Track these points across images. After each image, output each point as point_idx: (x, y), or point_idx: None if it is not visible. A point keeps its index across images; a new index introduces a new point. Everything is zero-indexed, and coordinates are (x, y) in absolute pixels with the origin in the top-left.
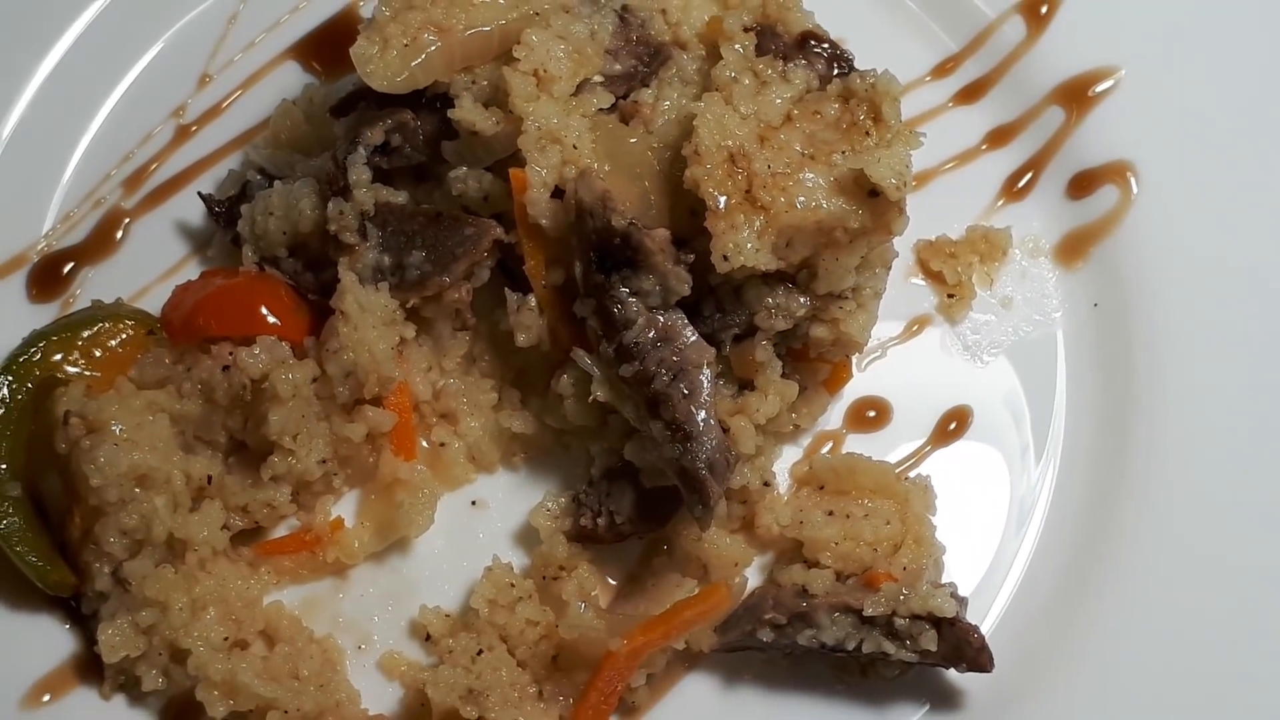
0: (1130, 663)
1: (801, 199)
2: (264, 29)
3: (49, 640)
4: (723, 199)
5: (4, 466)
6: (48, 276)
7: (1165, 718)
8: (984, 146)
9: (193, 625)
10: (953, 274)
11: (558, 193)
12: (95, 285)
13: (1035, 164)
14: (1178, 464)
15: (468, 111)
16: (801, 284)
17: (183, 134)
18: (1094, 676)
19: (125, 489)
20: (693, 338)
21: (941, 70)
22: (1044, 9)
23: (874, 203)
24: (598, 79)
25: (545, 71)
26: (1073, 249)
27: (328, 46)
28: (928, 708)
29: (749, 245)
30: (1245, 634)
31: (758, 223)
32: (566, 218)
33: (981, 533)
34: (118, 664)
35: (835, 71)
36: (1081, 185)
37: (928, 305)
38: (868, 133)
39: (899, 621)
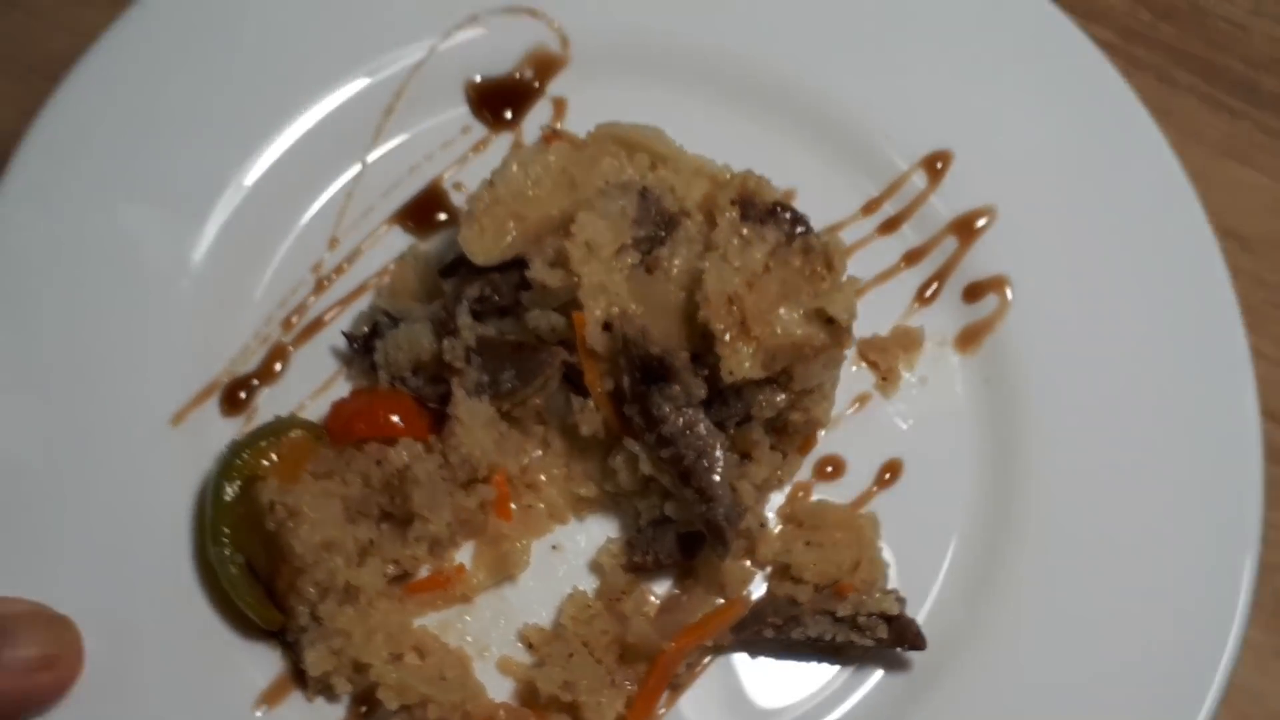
0: (1021, 640)
1: (780, 329)
2: (373, 202)
3: (267, 661)
4: (726, 334)
5: (228, 542)
6: (233, 397)
7: (1045, 675)
8: (901, 265)
9: (368, 646)
10: (884, 362)
11: (607, 326)
12: (270, 401)
13: (939, 277)
14: (1051, 489)
15: (539, 272)
16: (782, 384)
17: (321, 285)
18: (993, 650)
19: (316, 553)
20: (709, 426)
21: (867, 209)
22: (939, 165)
23: (832, 328)
24: (629, 243)
25: (593, 241)
26: (968, 340)
27: (421, 213)
28: (882, 673)
29: (745, 363)
30: (1111, 625)
31: (751, 348)
32: (614, 345)
33: (914, 551)
34: (318, 677)
35: (798, 231)
36: (972, 293)
37: (868, 385)
38: (823, 278)
39: (860, 619)
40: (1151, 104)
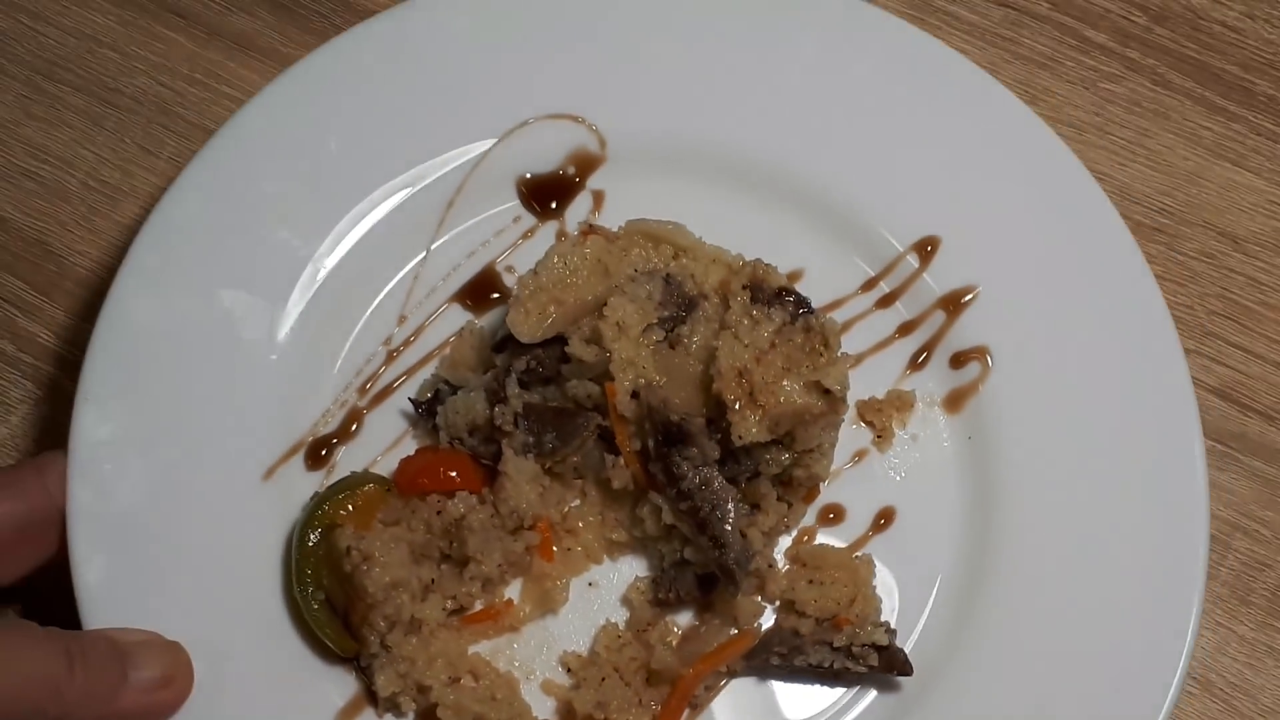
0: (996, 666)
1: (783, 398)
2: (435, 283)
3: (344, 683)
4: (736, 403)
5: (310, 581)
6: (316, 455)
7: (1017, 696)
8: (896, 336)
9: (429, 670)
10: (880, 421)
11: (635, 395)
12: (347, 457)
13: (928, 347)
14: (1024, 532)
15: (577, 348)
16: (786, 445)
17: (391, 357)
18: (972, 674)
19: (386, 591)
20: (722, 483)
21: (866, 287)
22: (929, 248)
23: (828, 397)
24: (654, 322)
25: (623, 321)
26: (954, 402)
27: (478, 293)
28: (875, 694)
29: (753, 429)
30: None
31: (758, 416)
32: (641, 411)
33: (905, 588)
34: (387, 697)
35: (800, 312)
36: (958, 361)
37: (865, 442)
38: (821, 354)
39: (854, 648)
40: (1147, 107)
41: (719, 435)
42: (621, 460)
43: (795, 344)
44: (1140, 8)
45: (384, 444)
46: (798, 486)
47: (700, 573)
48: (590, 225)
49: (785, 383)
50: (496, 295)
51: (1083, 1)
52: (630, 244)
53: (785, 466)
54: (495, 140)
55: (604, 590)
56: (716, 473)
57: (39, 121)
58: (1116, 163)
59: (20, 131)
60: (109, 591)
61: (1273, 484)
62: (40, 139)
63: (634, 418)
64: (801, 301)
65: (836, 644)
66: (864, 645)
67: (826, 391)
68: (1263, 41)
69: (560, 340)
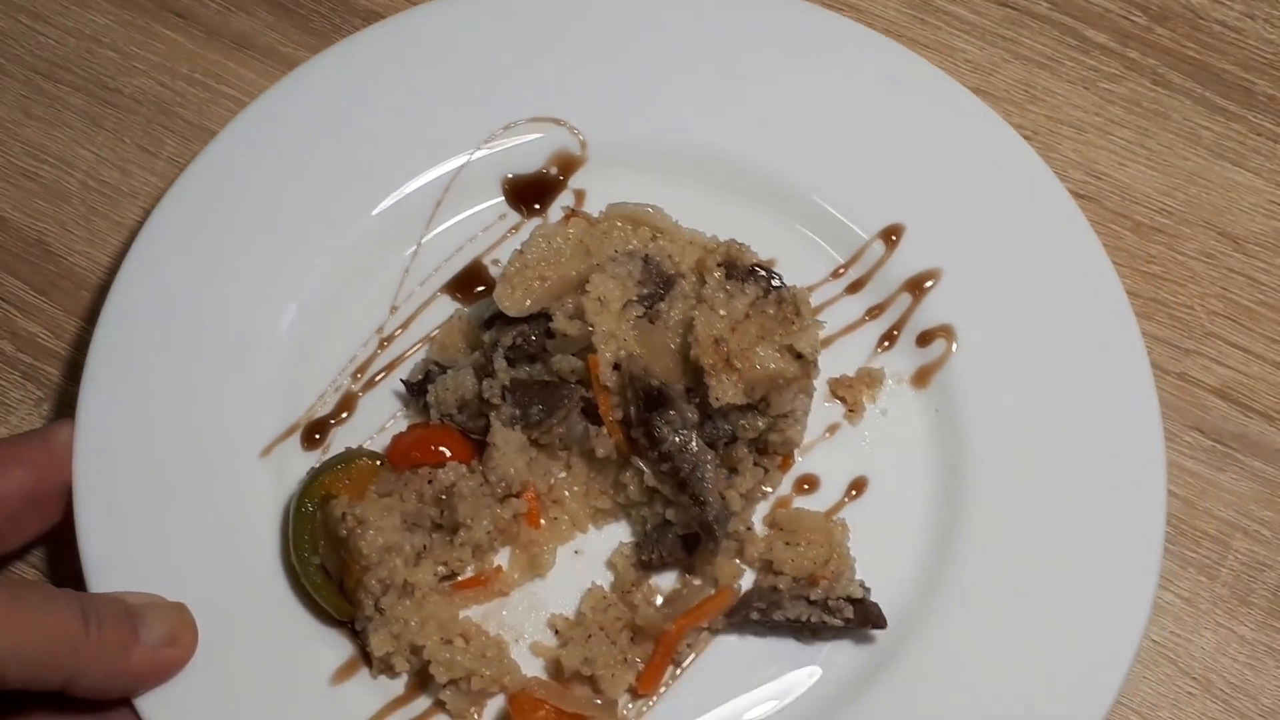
0: (965, 620)
1: (758, 364)
2: (426, 276)
3: (340, 646)
4: (714, 368)
5: (308, 548)
6: (312, 434)
7: (985, 647)
8: (865, 318)
9: (422, 631)
10: (851, 397)
11: (617, 367)
12: (341, 438)
13: (896, 327)
14: (989, 497)
15: (561, 323)
16: (761, 410)
17: (383, 344)
18: (943, 628)
19: (379, 555)
20: (700, 444)
21: (835, 274)
22: (894, 236)
23: (801, 362)
24: (634, 299)
25: (604, 297)
26: (921, 378)
27: (465, 284)
28: (852, 642)
29: (730, 392)
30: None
31: (734, 379)
32: (622, 381)
33: (878, 550)
34: (381, 657)
35: (773, 285)
36: (924, 339)
37: (838, 417)
38: (793, 322)
39: (830, 602)
40: (1147, 106)
41: (697, 401)
42: (605, 430)
43: (768, 315)
44: (1140, 8)
45: (377, 424)
46: (773, 452)
47: (682, 534)
48: (573, 209)
49: (760, 349)
50: (483, 288)
51: (1083, 1)
52: (611, 227)
53: (761, 431)
54: (481, 143)
55: (590, 557)
56: (695, 436)
57: (38, 121)
58: (1116, 163)
59: (20, 131)
60: (114, 559)
61: (1273, 484)
62: (40, 139)
63: (616, 388)
64: (773, 275)
65: (813, 598)
66: (840, 599)
67: (799, 356)
68: (1263, 41)
69: (545, 316)
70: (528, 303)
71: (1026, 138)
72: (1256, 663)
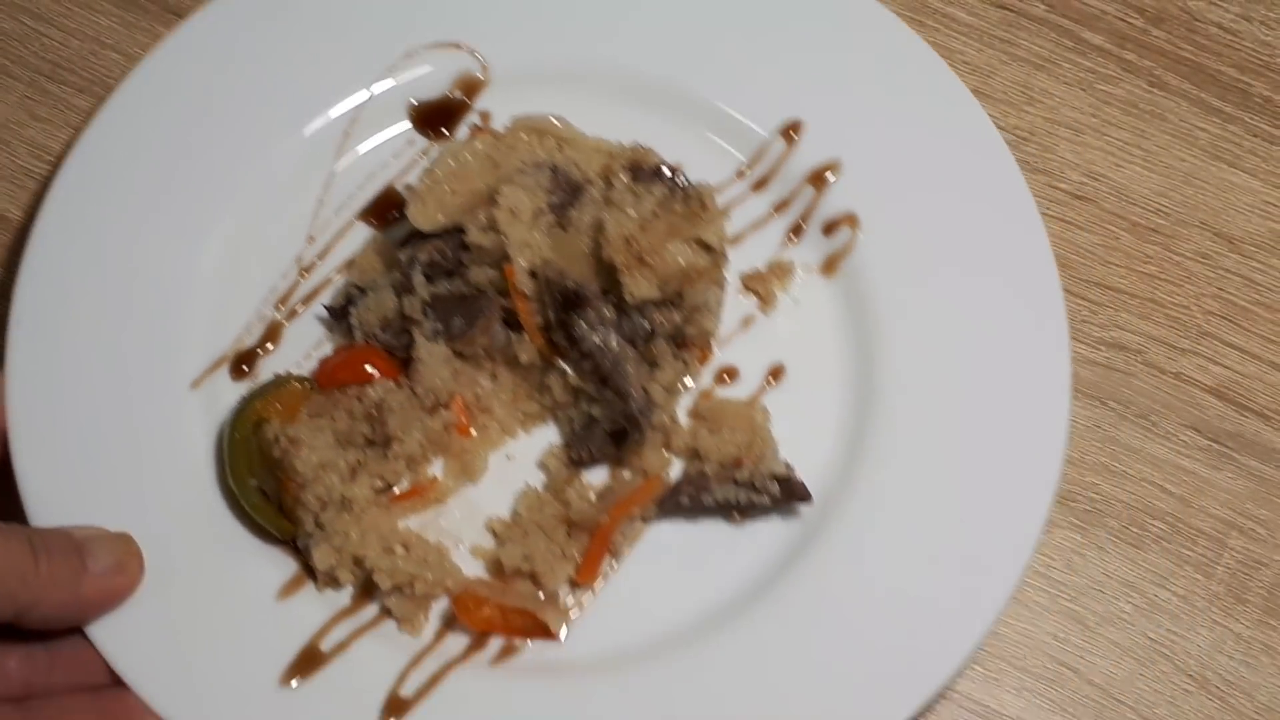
0: (884, 491)
1: (669, 259)
2: (340, 204)
3: (283, 563)
4: (627, 265)
5: (244, 471)
6: (240, 365)
7: (904, 516)
8: (772, 213)
9: (363, 543)
10: (763, 289)
11: (533, 274)
12: (269, 364)
13: (803, 219)
14: (900, 376)
15: (475, 236)
16: (676, 304)
17: (304, 272)
18: (863, 500)
19: (315, 471)
20: (619, 340)
21: (740, 174)
22: (793, 132)
23: (710, 254)
24: (545, 208)
25: (515, 208)
26: (830, 265)
27: (380, 210)
28: (780, 519)
29: (643, 287)
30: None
31: (647, 275)
32: (539, 287)
33: (799, 432)
34: (325, 570)
35: (679, 183)
36: (829, 228)
37: (752, 309)
38: (699, 216)
39: (757, 482)
40: (1144, 108)
41: (613, 300)
42: (526, 336)
43: (676, 212)
44: (1137, 10)
45: (304, 351)
46: (692, 345)
47: (609, 429)
48: (478, 125)
49: (669, 245)
50: (397, 213)
51: (1079, 3)
52: (516, 140)
53: (677, 325)
54: (385, 71)
55: (522, 461)
56: (613, 333)
57: (42, 123)
58: (1113, 163)
59: (24, 132)
60: (54, 495)
61: (1268, 483)
62: (43, 140)
63: (533, 294)
64: (677, 174)
65: (739, 479)
66: (765, 478)
67: (708, 248)
68: (1259, 43)
69: (459, 231)
70: (440, 217)
71: (1024, 139)
72: (1252, 660)
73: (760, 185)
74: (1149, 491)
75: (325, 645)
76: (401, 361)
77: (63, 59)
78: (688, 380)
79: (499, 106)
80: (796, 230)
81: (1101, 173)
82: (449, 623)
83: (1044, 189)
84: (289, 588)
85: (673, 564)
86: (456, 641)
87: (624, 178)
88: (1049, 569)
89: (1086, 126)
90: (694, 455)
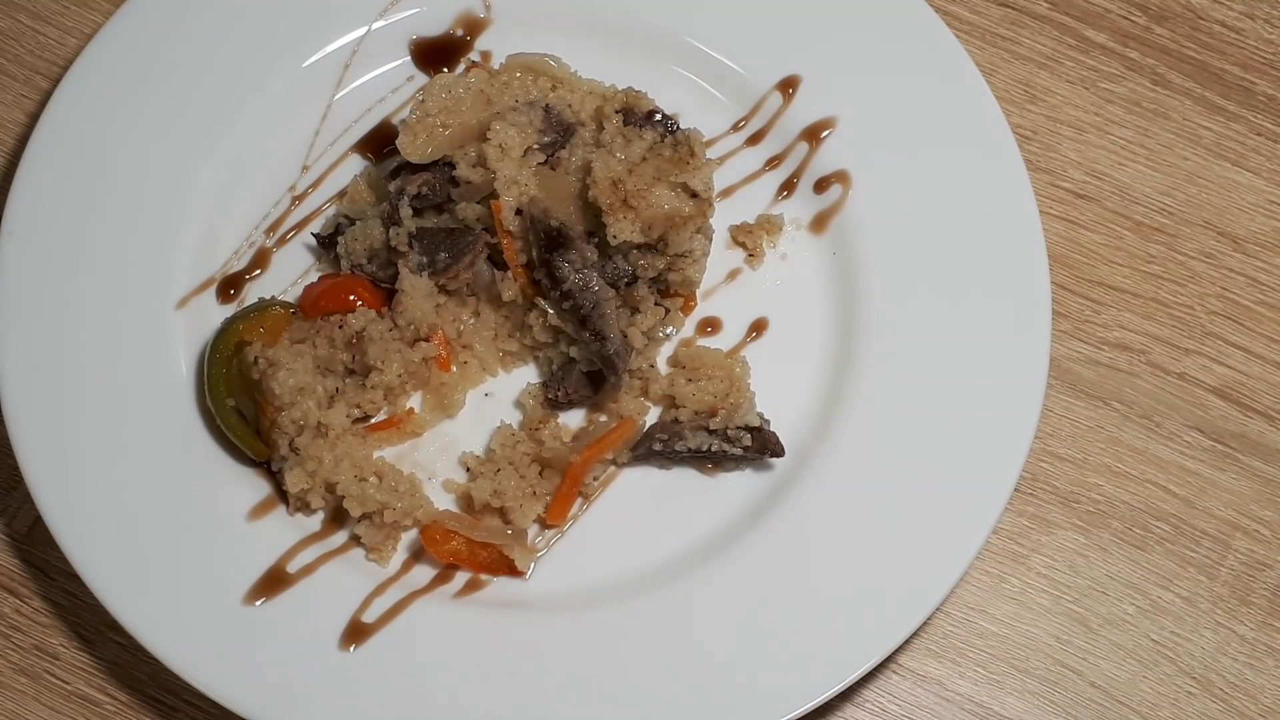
0: (858, 448)
1: (654, 203)
2: (336, 136)
3: (256, 485)
4: (612, 207)
5: (223, 391)
6: (227, 288)
7: (877, 472)
8: (765, 168)
9: (336, 469)
10: (752, 243)
11: (519, 212)
12: (256, 289)
13: (795, 175)
14: (883, 333)
15: (464, 170)
16: (660, 249)
17: (296, 200)
18: (836, 456)
19: (292, 395)
20: (600, 283)
21: (734, 128)
22: (790, 89)
23: (696, 200)
24: (535, 147)
25: (505, 145)
26: (819, 223)
27: (375, 144)
28: (752, 471)
29: (627, 230)
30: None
31: (631, 218)
32: (525, 225)
33: (777, 386)
34: (297, 494)
35: (670, 129)
36: (821, 186)
37: (739, 262)
38: (687, 162)
39: (730, 431)
40: (1147, 106)
41: (597, 242)
42: (510, 273)
43: (665, 157)
44: (1140, 7)
45: (291, 278)
46: (675, 293)
47: (586, 370)
48: (474, 61)
49: (656, 189)
50: (391, 147)
51: (1082, 1)
52: (511, 77)
53: (660, 271)
54: (386, 5)
55: (499, 399)
56: (595, 275)
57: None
58: (1116, 162)
59: (20, 132)
60: (37, 407)
61: (1272, 484)
62: None
63: (519, 232)
64: (669, 120)
65: (713, 428)
66: (739, 428)
67: (694, 195)
68: (1262, 41)
69: (448, 165)
70: (430, 150)
71: (1027, 137)
72: (1256, 662)
73: (756, 139)
74: (1152, 493)
75: (292, 568)
76: (386, 293)
77: (59, 57)
78: (670, 330)
79: (499, 46)
80: (789, 186)
81: (1104, 172)
82: (417, 554)
83: (1046, 188)
84: (260, 509)
85: (642, 510)
86: (422, 573)
87: (616, 120)
88: (1051, 571)
89: (1089, 125)
90: (671, 403)
